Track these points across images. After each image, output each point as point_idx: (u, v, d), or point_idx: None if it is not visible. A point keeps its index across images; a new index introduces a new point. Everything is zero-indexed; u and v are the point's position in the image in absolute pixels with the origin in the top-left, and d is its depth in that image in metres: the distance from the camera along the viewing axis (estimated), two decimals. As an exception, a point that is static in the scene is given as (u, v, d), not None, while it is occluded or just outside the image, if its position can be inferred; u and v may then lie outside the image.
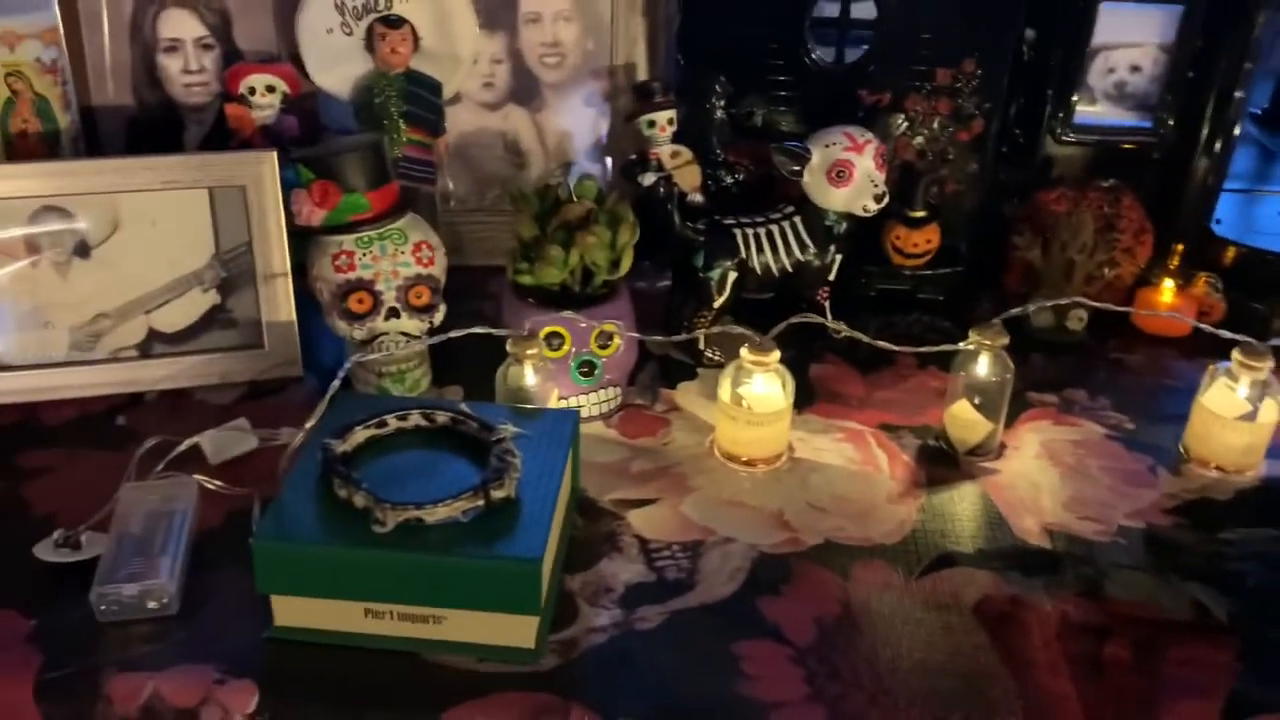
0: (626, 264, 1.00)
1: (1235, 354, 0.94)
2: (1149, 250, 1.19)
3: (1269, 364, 0.93)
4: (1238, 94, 1.12)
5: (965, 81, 1.13)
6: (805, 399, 1.05)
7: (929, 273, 1.19)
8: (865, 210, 1.06)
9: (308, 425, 0.81)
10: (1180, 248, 1.18)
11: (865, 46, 1.15)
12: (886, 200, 1.06)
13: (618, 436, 1.00)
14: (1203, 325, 1.02)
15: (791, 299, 1.11)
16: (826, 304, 1.13)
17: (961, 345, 0.96)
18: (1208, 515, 0.91)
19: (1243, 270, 1.21)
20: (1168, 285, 1.16)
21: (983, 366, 0.96)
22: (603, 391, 1.01)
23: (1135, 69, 1.15)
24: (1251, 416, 0.95)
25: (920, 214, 1.16)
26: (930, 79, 1.14)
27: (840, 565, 0.85)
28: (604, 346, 0.99)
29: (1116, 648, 0.78)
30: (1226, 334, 0.98)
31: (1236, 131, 1.15)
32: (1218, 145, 1.16)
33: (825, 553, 0.86)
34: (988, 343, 0.95)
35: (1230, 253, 1.22)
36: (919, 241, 1.17)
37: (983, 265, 1.22)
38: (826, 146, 1.05)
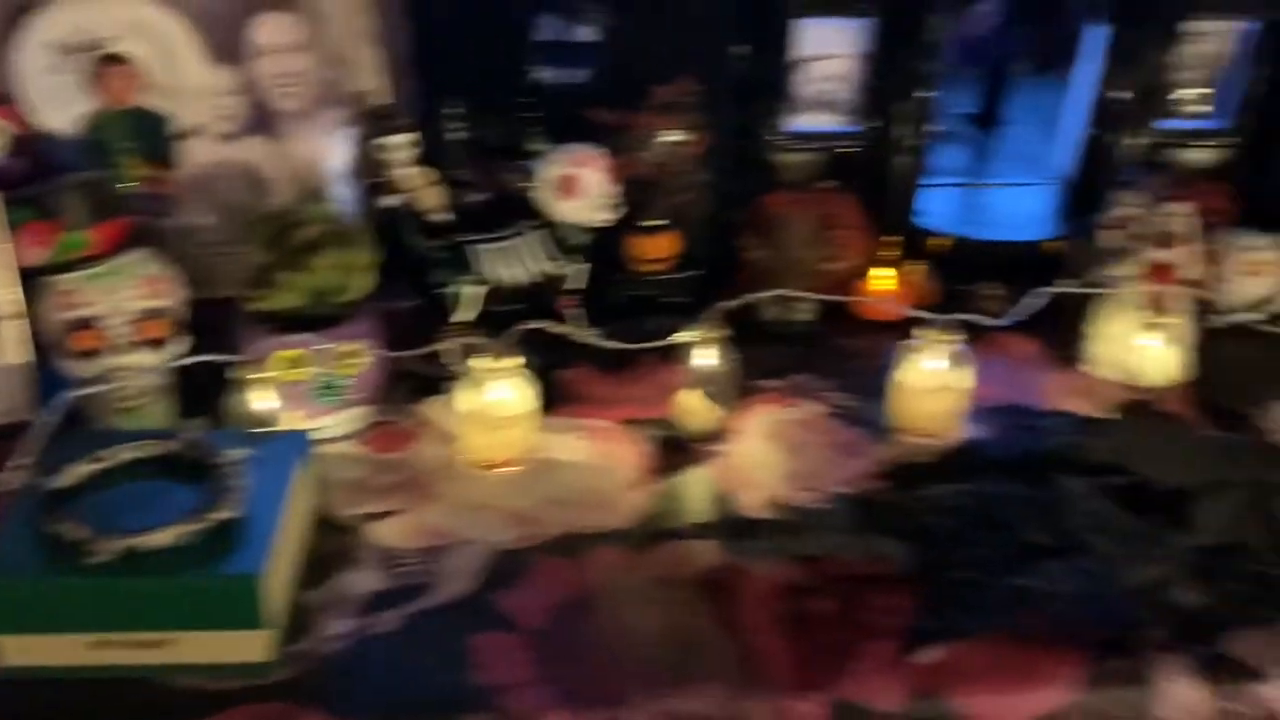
0: (365, 284, 1.03)
1: (925, 331, 1.05)
2: (868, 244, 1.30)
3: (955, 338, 1.04)
4: (924, 95, 1.23)
5: (687, 97, 1.21)
6: (553, 402, 1.10)
7: (672, 278, 1.27)
8: (598, 222, 1.12)
9: (22, 464, 0.80)
10: (895, 240, 1.29)
11: (593, 67, 1.22)
12: (618, 212, 1.12)
13: (365, 453, 1.02)
14: (911, 311, 1.13)
15: (542, 309, 1.16)
16: (577, 312, 1.18)
17: (682, 338, 1.03)
18: (909, 477, 1.00)
19: (955, 257, 1.34)
20: (885, 275, 1.27)
21: (706, 358, 1.03)
22: (349, 411, 1.03)
23: (837, 79, 1.26)
24: (946, 386, 1.05)
25: (657, 223, 1.24)
26: (655, 96, 1.21)
27: (576, 553, 0.90)
28: (347, 366, 1.01)
29: (822, 603, 0.85)
30: (926, 314, 1.09)
31: (930, 130, 1.27)
32: (915, 144, 1.28)
33: (563, 543, 0.91)
34: (708, 335, 1.02)
35: (943, 242, 1.34)
36: (658, 249, 1.24)
37: (722, 267, 1.29)
38: (556, 163, 1.11)
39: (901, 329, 1.23)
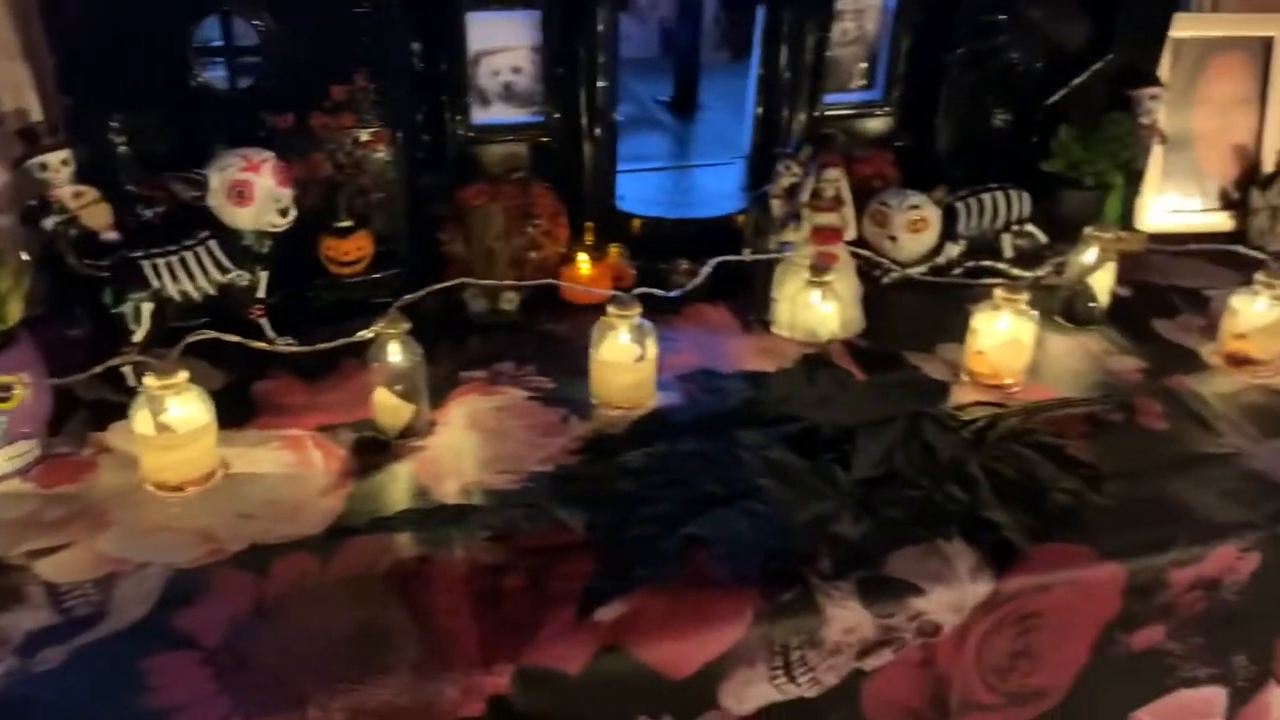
0: (15, 312, 0.97)
1: (614, 309, 1.08)
2: (566, 230, 1.33)
3: (636, 311, 1.08)
4: (601, 84, 1.27)
5: (363, 95, 1.20)
6: (247, 414, 1.07)
7: (371, 278, 1.26)
8: (274, 226, 1.10)
9: None
10: (591, 225, 1.33)
11: (262, 70, 1.19)
12: (293, 214, 1.10)
13: (33, 489, 0.96)
14: (611, 291, 1.17)
15: (228, 321, 1.13)
16: (264, 321, 1.15)
17: (363, 335, 1.03)
18: (603, 448, 1.03)
19: (652, 237, 1.39)
20: (583, 259, 1.30)
21: (394, 354, 1.03)
22: (12, 447, 0.97)
23: (517, 70, 1.28)
24: (637, 359, 1.09)
25: (347, 224, 1.22)
26: (330, 96, 1.19)
27: (261, 565, 0.88)
28: (4, 400, 0.95)
29: (513, 579, 0.87)
30: (618, 294, 1.12)
31: (613, 117, 1.31)
32: (603, 132, 1.31)
33: (248, 557, 0.89)
34: (391, 331, 1.02)
35: (636, 224, 1.39)
36: (350, 250, 1.22)
37: (426, 264, 1.29)
38: (223, 169, 1.08)
39: (603, 310, 1.28)
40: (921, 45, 1.41)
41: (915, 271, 1.35)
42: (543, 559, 0.88)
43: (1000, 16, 1.38)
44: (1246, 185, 1.53)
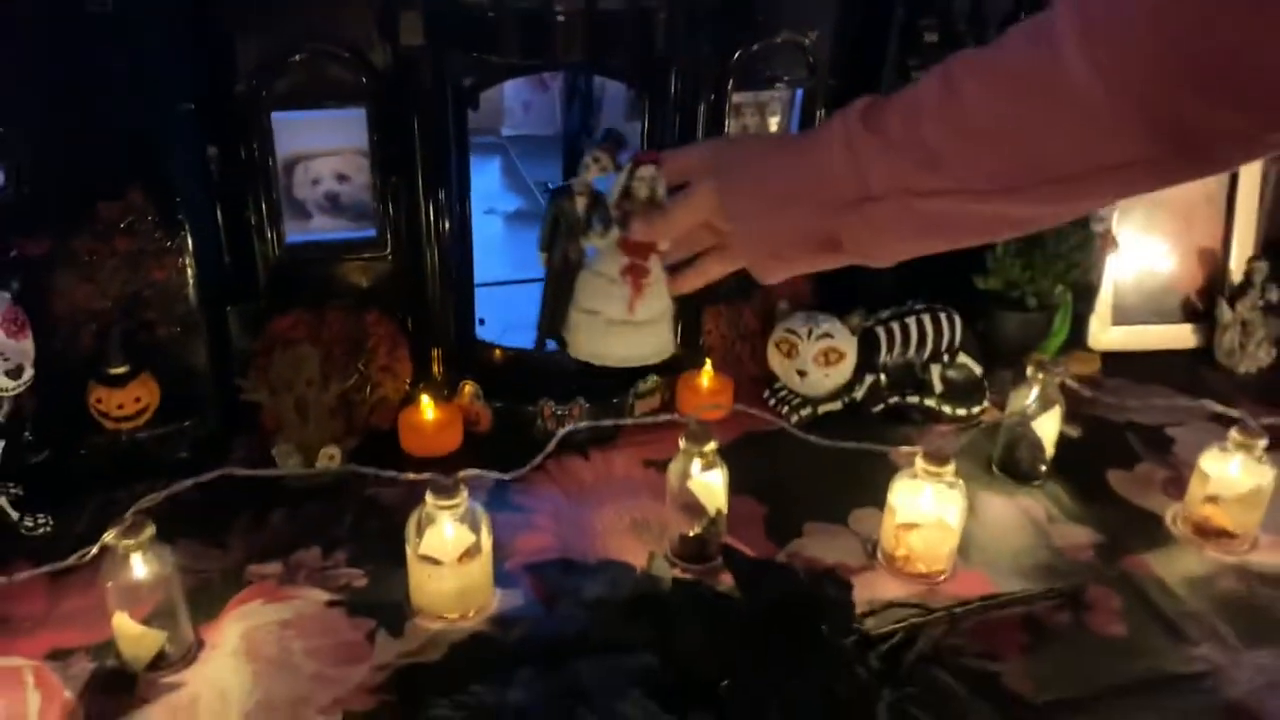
0: None
1: (429, 495, 0.85)
2: (408, 364, 1.10)
3: (461, 500, 0.85)
4: (455, 182, 1.04)
5: (138, 213, 0.97)
6: (-36, 633, 0.84)
7: (159, 431, 1.02)
8: (2, 391, 0.86)
9: None
10: (437, 353, 1.10)
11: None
12: (29, 373, 0.87)
13: None
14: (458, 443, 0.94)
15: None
16: (2, 500, 0.92)
17: (88, 552, 0.79)
18: (411, 684, 0.80)
19: (511, 370, 1.16)
20: (427, 402, 1.08)
21: (137, 569, 0.79)
22: None
23: (342, 177, 1.06)
24: (467, 553, 0.87)
25: (121, 370, 0.99)
26: (99, 215, 0.96)
27: None
28: None
29: None
30: (433, 478, 0.86)
31: (464, 224, 1.09)
32: (453, 242, 1.08)
33: None
34: (131, 542, 0.78)
35: (498, 354, 1.16)
36: (124, 402, 0.99)
37: (235, 409, 1.06)
38: (-65, 320, 0.84)
39: (459, 461, 1.06)
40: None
41: (826, 409, 1.14)
42: None
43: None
44: (1213, 297, 1.34)
